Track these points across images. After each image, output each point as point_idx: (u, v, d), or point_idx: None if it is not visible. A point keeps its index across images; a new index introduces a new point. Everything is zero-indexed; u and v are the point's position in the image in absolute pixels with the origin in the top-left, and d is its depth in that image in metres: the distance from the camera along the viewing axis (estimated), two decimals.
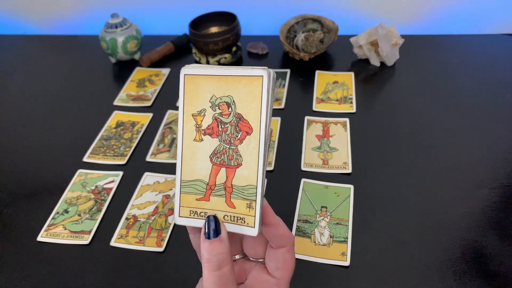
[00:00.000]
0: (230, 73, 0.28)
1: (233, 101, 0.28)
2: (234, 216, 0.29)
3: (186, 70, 0.29)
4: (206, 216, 0.29)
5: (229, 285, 0.27)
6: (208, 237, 0.28)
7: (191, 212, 0.30)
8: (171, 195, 0.63)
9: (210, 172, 0.29)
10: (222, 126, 0.29)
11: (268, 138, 0.28)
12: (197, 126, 0.29)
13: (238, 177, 0.28)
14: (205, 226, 0.28)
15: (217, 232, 0.28)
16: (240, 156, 0.28)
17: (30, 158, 0.72)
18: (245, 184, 0.28)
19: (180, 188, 0.30)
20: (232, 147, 0.28)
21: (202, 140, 0.29)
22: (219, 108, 0.28)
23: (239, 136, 0.28)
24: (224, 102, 0.28)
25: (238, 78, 0.28)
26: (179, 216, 0.30)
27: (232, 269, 0.28)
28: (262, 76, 0.27)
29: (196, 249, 0.32)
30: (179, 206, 0.30)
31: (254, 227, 0.28)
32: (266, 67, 0.28)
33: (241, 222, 0.29)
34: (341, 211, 0.58)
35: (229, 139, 0.28)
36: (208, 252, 0.27)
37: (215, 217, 0.29)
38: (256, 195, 0.28)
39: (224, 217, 0.29)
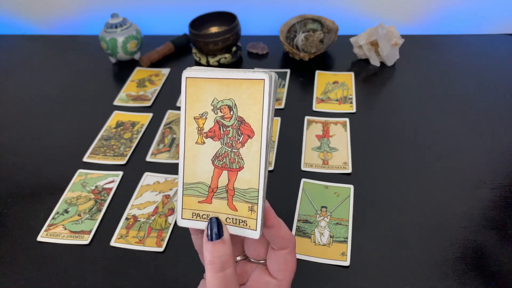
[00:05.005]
0: (232, 76, 0.28)
1: (235, 104, 0.28)
2: (236, 219, 0.29)
3: (188, 73, 0.29)
4: (208, 218, 0.29)
5: (232, 287, 0.27)
6: (211, 239, 0.28)
7: (194, 214, 0.30)
8: (171, 195, 0.63)
9: (212, 175, 0.29)
10: (224, 129, 0.29)
11: (269, 140, 0.28)
12: (199, 129, 0.29)
13: (240, 180, 0.28)
14: (207, 228, 0.28)
15: (219, 234, 0.28)
16: (242, 159, 0.28)
17: (30, 158, 0.72)
18: (247, 187, 0.28)
19: (183, 190, 0.30)
20: (234, 150, 0.28)
21: (204, 143, 0.29)
22: (220, 111, 0.28)
23: (240, 139, 0.28)
24: (226, 105, 0.28)
25: (239, 81, 0.28)
26: (182, 218, 0.30)
27: (235, 270, 0.28)
28: (264, 79, 0.27)
29: (198, 250, 0.32)
30: (182, 208, 0.30)
31: (256, 230, 0.28)
32: (268, 70, 0.28)
33: (243, 224, 0.29)
34: (341, 211, 0.58)
35: (231, 142, 0.28)
36: (211, 254, 0.27)
37: (217, 219, 0.29)
38: (258, 198, 0.28)
39: (226, 220, 0.29)
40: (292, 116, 0.76)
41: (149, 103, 0.82)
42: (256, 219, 0.28)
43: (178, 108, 0.81)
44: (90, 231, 0.58)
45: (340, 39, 0.92)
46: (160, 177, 0.66)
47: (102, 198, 0.63)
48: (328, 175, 0.64)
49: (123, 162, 0.69)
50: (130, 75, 0.91)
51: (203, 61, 0.91)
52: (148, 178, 0.66)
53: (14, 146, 0.75)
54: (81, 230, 0.58)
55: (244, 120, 0.28)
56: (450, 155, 0.66)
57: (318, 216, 0.58)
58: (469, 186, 0.60)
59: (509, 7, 0.96)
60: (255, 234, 0.28)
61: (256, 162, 0.28)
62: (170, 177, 0.66)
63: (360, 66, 0.89)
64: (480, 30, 0.99)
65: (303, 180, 0.63)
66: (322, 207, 0.59)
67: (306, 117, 0.75)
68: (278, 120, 0.76)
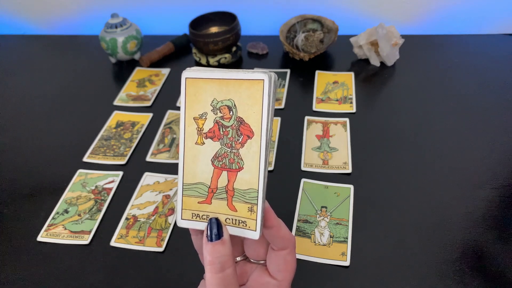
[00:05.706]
0: (231, 77, 0.28)
1: (234, 105, 0.28)
2: (235, 219, 0.29)
3: (188, 73, 0.29)
4: (208, 219, 0.29)
5: (231, 287, 0.27)
6: (211, 240, 0.28)
7: (193, 215, 0.30)
8: (171, 195, 0.63)
9: (211, 175, 0.29)
10: (224, 130, 0.29)
11: (269, 141, 0.28)
12: (199, 129, 0.29)
13: (240, 180, 0.28)
14: (207, 229, 0.28)
15: (219, 235, 0.28)
16: (242, 160, 0.28)
17: (30, 158, 0.72)
18: (247, 187, 0.28)
19: (182, 190, 0.30)
20: (233, 150, 0.28)
21: (203, 143, 0.29)
22: (220, 112, 0.28)
23: (240, 139, 0.28)
24: (225, 105, 0.28)
25: (239, 81, 0.28)
26: (182, 219, 0.30)
27: (234, 271, 0.28)
28: (263, 79, 0.27)
29: (198, 250, 0.32)
30: (181, 209, 0.30)
31: (255, 231, 0.28)
32: (268, 70, 0.28)
33: (243, 225, 0.29)
34: (341, 211, 0.58)
35: (230, 142, 0.28)
36: (211, 254, 0.27)
37: (217, 220, 0.29)
38: (257, 199, 0.28)
39: (226, 220, 0.29)
40: (292, 116, 0.76)
41: (149, 103, 0.82)
42: (256, 220, 0.28)
43: (178, 108, 0.81)
44: (90, 231, 0.58)
45: (340, 39, 0.92)
46: (160, 177, 0.66)
47: (102, 198, 0.63)
48: (328, 175, 0.64)
49: (123, 162, 0.69)
50: (130, 75, 0.91)
51: (203, 61, 0.91)
52: (148, 178, 0.66)
53: (14, 146, 0.75)
54: (81, 230, 0.58)
55: (243, 120, 0.28)
56: (450, 155, 0.66)
57: (318, 216, 0.58)
58: (469, 186, 0.60)
59: (509, 7, 0.96)
60: (255, 235, 0.28)
61: (255, 162, 0.28)
62: (170, 177, 0.66)
63: (360, 66, 0.89)
64: (480, 30, 0.99)
65: (303, 180, 0.63)
66: (322, 207, 0.59)
67: (306, 117, 0.75)
68: (278, 120, 0.76)
